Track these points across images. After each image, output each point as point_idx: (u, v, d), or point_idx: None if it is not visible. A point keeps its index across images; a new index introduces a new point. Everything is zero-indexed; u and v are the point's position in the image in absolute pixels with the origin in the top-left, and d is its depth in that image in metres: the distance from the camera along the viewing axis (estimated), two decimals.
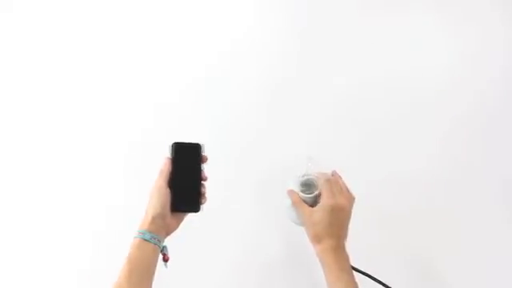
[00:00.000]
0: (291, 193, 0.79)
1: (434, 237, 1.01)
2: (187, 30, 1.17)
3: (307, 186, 0.77)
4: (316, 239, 0.73)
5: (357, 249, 0.75)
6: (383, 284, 0.76)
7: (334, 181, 0.78)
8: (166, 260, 0.72)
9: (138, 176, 1.06)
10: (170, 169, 0.73)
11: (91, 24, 1.17)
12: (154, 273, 0.69)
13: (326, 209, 0.73)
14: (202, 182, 0.76)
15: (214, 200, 0.77)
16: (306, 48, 1.16)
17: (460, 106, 1.10)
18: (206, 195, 0.76)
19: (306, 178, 0.78)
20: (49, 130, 1.11)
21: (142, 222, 0.70)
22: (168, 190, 0.72)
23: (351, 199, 0.77)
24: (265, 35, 1.16)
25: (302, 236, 0.77)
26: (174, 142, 0.75)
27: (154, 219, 0.69)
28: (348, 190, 0.78)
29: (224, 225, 1.01)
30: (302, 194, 0.77)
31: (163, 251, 0.71)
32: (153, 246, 0.68)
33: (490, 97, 1.10)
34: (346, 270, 0.71)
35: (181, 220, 0.75)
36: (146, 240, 0.67)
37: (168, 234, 0.73)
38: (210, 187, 0.78)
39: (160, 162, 0.75)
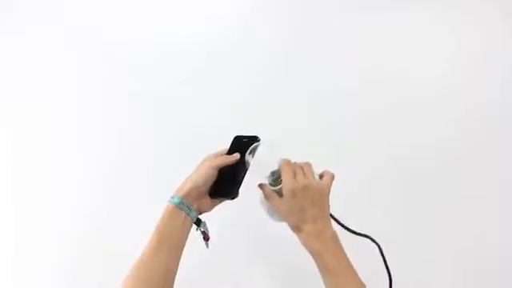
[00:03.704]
0: (261, 186, 0.73)
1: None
2: (180, 29, 1.16)
3: (274, 177, 0.71)
4: (296, 229, 0.68)
5: None
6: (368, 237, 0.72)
7: (294, 163, 0.71)
8: (206, 239, 0.71)
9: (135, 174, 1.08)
10: (227, 160, 0.72)
11: (88, 27, 1.17)
12: (183, 246, 0.67)
13: (287, 195, 0.67)
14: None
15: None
16: (302, 48, 1.14)
17: (462, 107, 1.08)
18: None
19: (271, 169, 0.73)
20: (50, 128, 1.11)
21: (178, 188, 0.69)
22: (215, 173, 0.70)
23: (327, 178, 0.70)
24: (263, 34, 1.15)
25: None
26: (236, 135, 0.76)
27: (190, 190, 0.68)
28: (312, 172, 0.70)
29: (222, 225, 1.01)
30: (270, 187, 0.71)
31: (202, 229, 0.70)
32: (184, 214, 0.67)
33: (492, 97, 1.08)
34: (337, 254, 0.65)
35: (214, 205, 0.73)
36: (177, 206, 0.66)
37: (202, 212, 0.71)
38: None
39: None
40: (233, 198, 0.72)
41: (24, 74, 1.15)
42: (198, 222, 0.71)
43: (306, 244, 0.67)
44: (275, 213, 0.72)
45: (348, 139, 1.08)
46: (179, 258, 0.66)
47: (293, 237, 0.69)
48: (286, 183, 0.67)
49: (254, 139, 0.75)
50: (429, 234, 1.01)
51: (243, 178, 0.73)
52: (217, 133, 1.03)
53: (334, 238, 0.67)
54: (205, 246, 0.72)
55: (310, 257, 0.67)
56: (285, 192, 0.67)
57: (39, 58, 1.16)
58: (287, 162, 0.70)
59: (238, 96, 1.11)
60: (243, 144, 0.74)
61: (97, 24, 1.17)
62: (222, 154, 0.74)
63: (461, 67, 1.11)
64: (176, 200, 0.67)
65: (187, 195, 0.68)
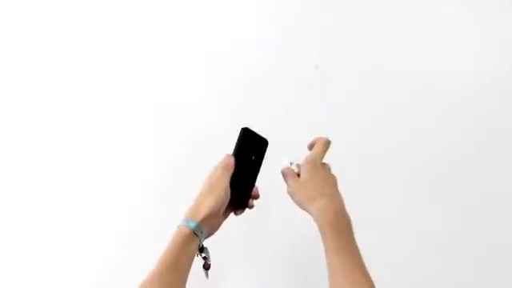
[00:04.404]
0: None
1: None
2: (189, 29, 1.17)
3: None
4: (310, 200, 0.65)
5: None
6: None
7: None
8: (207, 268, 0.64)
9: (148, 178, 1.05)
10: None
11: (92, 26, 1.17)
12: (188, 274, 0.62)
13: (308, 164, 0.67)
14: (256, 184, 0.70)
15: None
16: (307, 44, 1.14)
17: (489, 97, 1.05)
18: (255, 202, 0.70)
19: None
20: (57, 131, 1.09)
21: (193, 210, 0.63)
22: (229, 192, 0.65)
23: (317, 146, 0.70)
24: (272, 33, 1.15)
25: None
26: (244, 127, 0.68)
27: (208, 216, 0.62)
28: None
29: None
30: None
31: (204, 255, 0.64)
32: (198, 241, 0.62)
33: None
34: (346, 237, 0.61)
35: (223, 221, 0.67)
36: (193, 232, 0.60)
37: (209, 235, 0.65)
38: None
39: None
40: (243, 210, 0.69)
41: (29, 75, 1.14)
42: (201, 248, 0.64)
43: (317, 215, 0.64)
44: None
45: (369, 135, 1.05)
46: (185, 280, 0.61)
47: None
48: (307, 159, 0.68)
49: (264, 143, 0.70)
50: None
51: (251, 190, 0.69)
52: (220, 134, 1.04)
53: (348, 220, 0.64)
54: (204, 276, 0.65)
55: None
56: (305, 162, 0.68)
57: (42, 58, 1.15)
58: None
59: (243, 97, 1.11)
60: (251, 147, 0.69)
61: (99, 26, 1.17)
62: (230, 164, 0.67)
63: (486, 58, 1.09)
64: (192, 225, 0.61)
65: (203, 221, 0.62)
